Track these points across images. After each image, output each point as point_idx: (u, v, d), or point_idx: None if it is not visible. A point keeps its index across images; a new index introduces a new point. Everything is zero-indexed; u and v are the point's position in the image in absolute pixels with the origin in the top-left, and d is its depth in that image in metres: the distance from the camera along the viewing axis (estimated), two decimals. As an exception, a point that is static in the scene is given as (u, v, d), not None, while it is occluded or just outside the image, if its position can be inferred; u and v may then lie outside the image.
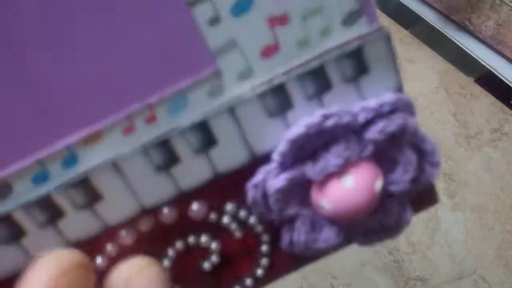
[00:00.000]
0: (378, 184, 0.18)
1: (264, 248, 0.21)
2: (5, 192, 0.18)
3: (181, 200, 0.19)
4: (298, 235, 0.20)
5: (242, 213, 0.20)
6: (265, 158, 0.19)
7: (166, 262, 0.20)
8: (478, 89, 0.62)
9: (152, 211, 0.19)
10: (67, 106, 0.17)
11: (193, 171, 0.19)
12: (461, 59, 0.64)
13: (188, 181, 0.19)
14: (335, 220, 0.19)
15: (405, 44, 0.66)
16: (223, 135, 0.18)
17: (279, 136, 0.19)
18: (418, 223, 0.51)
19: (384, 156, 0.19)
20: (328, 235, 0.20)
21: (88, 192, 0.18)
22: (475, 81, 0.63)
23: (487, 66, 0.61)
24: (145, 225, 0.19)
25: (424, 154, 0.20)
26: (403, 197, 0.20)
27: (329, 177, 0.18)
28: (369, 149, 0.18)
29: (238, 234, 0.21)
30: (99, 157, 0.18)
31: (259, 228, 0.21)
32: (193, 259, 0.21)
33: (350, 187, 0.18)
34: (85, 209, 0.18)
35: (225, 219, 0.20)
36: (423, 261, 0.49)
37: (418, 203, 0.21)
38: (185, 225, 0.20)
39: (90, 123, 0.17)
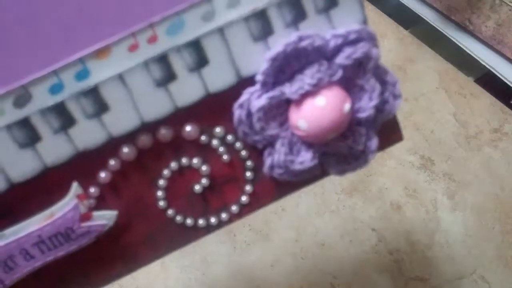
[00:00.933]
0: (347, 106, 0.21)
1: (249, 174, 0.24)
2: (25, 98, 0.20)
3: (176, 120, 0.22)
4: (278, 156, 0.22)
5: (230, 137, 0.23)
6: (250, 81, 0.22)
7: (162, 182, 0.23)
8: (478, 89, 0.62)
9: (151, 129, 0.22)
10: (81, 23, 0.20)
11: (188, 88, 0.21)
12: (461, 59, 0.64)
13: (183, 98, 0.22)
14: (310, 143, 0.22)
15: (405, 44, 0.66)
16: (213, 55, 0.21)
17: (262, 60, 0.21)
18: (418, 223, 0.51)
19: (352, 83, 0.22)
20: (304, 157, 0.22)
21: (97, 102, 0.21)
22: (475, 81, 0.63)
23: (487, 66, 0.61)
24: (144, 142, 0.22)
25: (387, 85, 0.24)
26: (369, 125, 0.23)
27: (304, 97, 0.21)
28: (339, 74, 0.21)
29: (225, 157, 0.23)
30: (108, 71, 0.20)
31: (244, 153, 0.23)
32: (185, 181, 0.23)
33: (322, 105, 0.21)
34: (94, 118, 0.21)
35: (215, 142, 0.23)
36: (423, 261, 0.49)
37: (385, 139, 0.25)
38: (179, 147, 0.23)
39: (101, 39, 0.20)
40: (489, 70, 0.61)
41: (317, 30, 0.21)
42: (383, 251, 0.49)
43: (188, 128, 0.22)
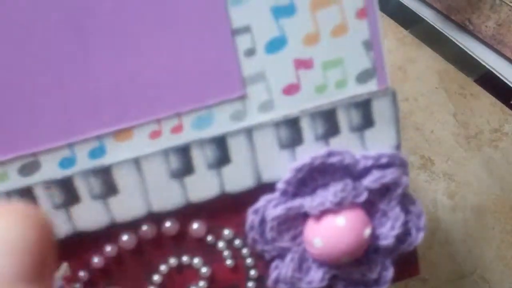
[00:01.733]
0: (367, 231, 0.20)
1: (251, 284, 0.22)
2: (32, 167, 0.19)
3: (185, 214, 0.21)
4: (285, 271, 0.21)
5: (237, 242, 0.22)
6: (269, 188, 0.21)
7: (157, 278, 0.21)
8: (478, 89, 0.61)
9: (156, 220, 0.21)
10: (106, 101, 0.19)
11: (204, 185, 0.20)
12: (461, 59, 0.64)
13: (197, 193, 0.21)
14: (322, 263, 0.21)
15: (405, 44, 0.66)
16: (237, 156, 0.20)
17: (286, 169, 0.20)
18: (418, 223, 0.51)
19: (375, 208, 0.21)
20: (313, 277, 0.21)
21: (106, 183, 0.20)
22: (475, 81, 0.63)
23: (487, 66, 0.61)
24: (147, 232, 0.21)
25: (411, 216, 0.22)
26: (387, 255, 0.22)
27: (323, 214, 0.20)
28: (363, 196, 0.21)
29: (229, 262, 0.22)
30: (125, 154, 0.20)
31: (249, 261, 0.22)
32: (183, 281, 0.22)
33: (342, 226, 0.20)
34: (99, 200, 0.20)
35: (221, 244, 0.22)
36: (423, 261, 0.49)
37: (400, 270, 0.23)
38: (182, 242, 0.21)
39: (124, 121, 0.19)
40: (489, 70, 0.60)
41: (348, 147, 0.21)
42: (383, 251, 0.49)
43: (195, 225, 0.21)
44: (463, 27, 0.63)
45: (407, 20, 0.69)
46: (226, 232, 0.22)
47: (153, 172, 0.20)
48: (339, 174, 0.21)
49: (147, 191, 0.20)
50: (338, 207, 0.20)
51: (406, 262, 0.23)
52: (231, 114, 0.20)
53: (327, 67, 0.20)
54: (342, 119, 0.21)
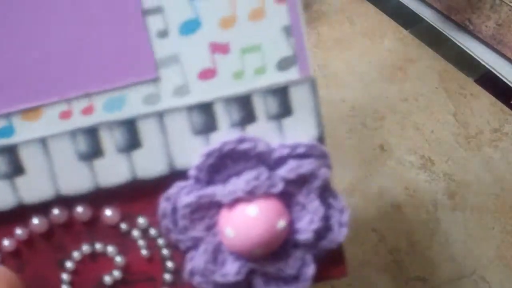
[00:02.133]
0: (281, 223, 0.19)
1: (168, 276, 0.21)
2: None
3: (98, 200, 0.20)
4: (199, 261, 0.20)
5: (153, 231, 0.21)
6: (184, 175, 0.20)
7: (69, 264, 0.21)
8: (478, 89, 0.62)
9: (68, 204, 0.20)
10: (14, 80, 0.19)
11: (114, 169, 0.20)
12: (461, 59, 0.64)
13: (107, 178, 0.20)
14: (239, 257, 0.20)
15: (405, 44, 0.66)
16: (148, 140, 0.20)
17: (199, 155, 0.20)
18: (418, 223, 0.51)
19: (295, 202, 0.20)
20: (228, 270, 0.20)
21: (12, 162, 0.19)
22: (475, 81, 0.63)
23: (487, 66, 0.61)
24: (57, 216, 0.20)
25: (334, 211, 0.21)
26: (307, 250, 0.21)
27: (236, 203, 0.19)
28: (279, 187, 0.20)
29: (145, 252, 0.21)
30: (33, 133, 0.19)
31: (166, 252, 0.21)
32: (96, 269, 0.21)
33: (253, 216, 0.19)
34: (6, 180, 0.19)
35: (135, 232, 0.21)
36: (423, 261, 0.49)
37: (325, 270, 0.22)
38: (96, 229, 0.21)
39: (33, 100, 0.19)
40: (489, 70, 0.60)
41: (266, 136, 0.20)
42: (383, 251, 0.49)
43: (108, 211, 0.21)
44: (463, 27, 0.63)
45: (407, 20, 0.69)
46: (141, 220, 0.21)
47: (60, 153, 0.20)
48: (253, 162, 0.20)
49: (54, 172, 0.20)
50: (250, 196, 0.19)
51: (332, 261, 0.22)
52: (144, 97, 0.20)
53: (245, 52, 0.20)
54: (259, 106, 0.20)
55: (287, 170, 0.20)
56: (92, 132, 0.20)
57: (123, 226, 0.21)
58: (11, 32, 0.19)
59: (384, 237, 0.50)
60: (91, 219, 0.21)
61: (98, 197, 0.20)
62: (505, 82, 0.59)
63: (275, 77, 0.20)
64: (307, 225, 0.21)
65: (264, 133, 0.20)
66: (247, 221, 0.19)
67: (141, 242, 0.21)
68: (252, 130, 0.20)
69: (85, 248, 0.21)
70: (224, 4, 0.19)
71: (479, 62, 0.61)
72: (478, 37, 0.62)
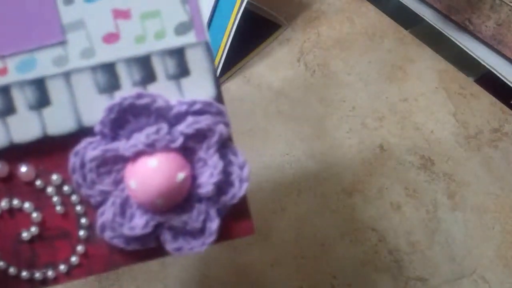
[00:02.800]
0: (181, 175, 0.21)
1: (82, 233, 0.23)
2: None
3: (13, 157, 0.22)
4: (108, 215, 0.22)
5: (66, 188, 0.22)
6: (91, 132, 0.22)
7: None
8: (478, 89, 0.62)
9: None
10: None
11: (26, 125, 0.21)
12: (461, 59, 0.64)
13: (20, 134, 0.21)
14: (147, 211, 0.22)
15: (405, 44, 0.66)
16: (57, 98, 0.21)
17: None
18: (418, 223, 0.51)
19: (197, 158, 0.22)
20: (136, 223, 0.22)
21: None
22: (475, 81, 0.63)
23: (487, 66, 0.61)
24: None
25: (234, 168, 0.23)
26: (211, 205, 0.22)
27: (138, 156, 0.21)
28: (179, 141, 0.21)
29: (59, 208, 0.22)
30: None
31: (79, 208, 0.23)
32: (14, 225, 0.22)
33: (153, 167, 0.21)
34: None
35: (50, 189, 0.22)
36: (423, 261, 0.49)
37: (233, 227, 0.24)
38: (13, 186, 0.22)
39: None
40: (489, 70, 0.61)
41: (166, 95, 0.22)
42: (383, 251, 0.49)
43: (23, 168, 0.22)
44: (463, 27, 0.63)
45: (407, 20, 0.69)
46: (55, 177, 0.22)
47: None
48: (153, 118, 0.21)
49: None
50: (151, 149, 0.21)
51: (237, 218, 0.24)
52: (53, 59, 0.21)
53: (145, 17, 0.22)
54: (158, 66, 0.22)
55: (186, 125, 0.21)
56: (4, 91, 0.21)
57: (38, 182, 0.22)
58: None
59: (384, 237, 0.50)
60: (8, 176, 0.22)
61: (13, 154, 0.22)
62: (505, 82, 0.59)
63: (173, 41, 0.22)
64: (207, 178, 0.22)
65: (164, 92, 0.22)
66: (147, 172, 0.21)
67: (55, 199, 0.22)
68: (153, 89, 0.22)
69: (3, 204, 0.22)
70: None
71: (479, 62, 0.61)
72: (478, 37, 0.62)
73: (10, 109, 0.21)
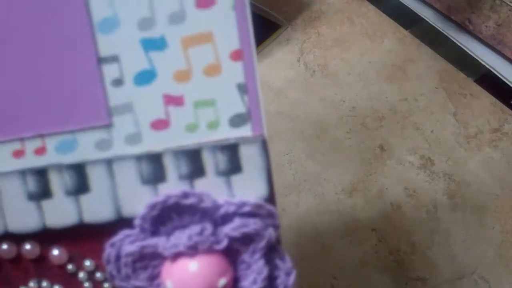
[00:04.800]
0: (222, 281, 0.20)
1: None
2: None
3: (47, 238, 0.21)
4: None
5: (99, 275, 0.21)
6: (129, 223, 0.20)
7: None
8: (478, 89, 0.61)
9: (17, 241, 0.21)
10: None
11: (61, 210, 0.20)
12: (461, 59, 0.64)
13: (54, 219, 0.20)
14: None
15: (405, 44, 0.66)
16: (96, 186, 0.20)
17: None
18: (418, 223, 0.51)
19: (240, 260, 0.20)
20: None
21: None
22: (475, 81, 0.63)
23: (487, 66, 0.61)
24: (5, 251, 0.21)
25: (279, 273, 0.21)
26: None
27: (178, 257, 0.20)
28: (223, 243, 0.20)
29: None
30: None
31: None
32: None
33: (193, 271, 0.19)
34: None
35: (81, 274, 0.21)
36: (423, 261, 0.49)
37: None
38: (44, 268, 0.21)
39: None
40: (489, 70, 0.60)
41: (214, 191, 0.20)
42: (383, 251, 0.49)
43: (55, 251, 0.21)
44: (463, 27, 0.63)
45: (407, 20, 0.69)
46: (87, 263, 0.21)
47: (10, 191, 0.20)
48: (198, 217, 0.20)
49: (3, 210, 0.20)
50: (193, 251, 0.20)
51: None
52: (96, 143, 0.20)
53: (199, 106, 0.20)
54: (208, 161, 0.20)
55: (232, 228, 0.20)
56: (41, 173, 0.20)
57: (70, 267, 0.21)
58: None
59: (384, 237, 0.50)
60: (39, 257, 0.21)
61: (47, 236, 0.21)
62: (505, 82, 0.59)
63: (227, 133, 0.20)
64: (250, 284, 0.20)
65: (213, 188, 0.20)
66: (187, 276, 0.19)
67: (87, 284, 0.22)
68: (200, 184, 0.20)
69: (32, 285, 0.21)
70: (179, 58, 0.20)
71: (479, 62, 0.61)
72: (478, 37, 0.62)
73: (46, 193, 0.20)
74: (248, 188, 0.21)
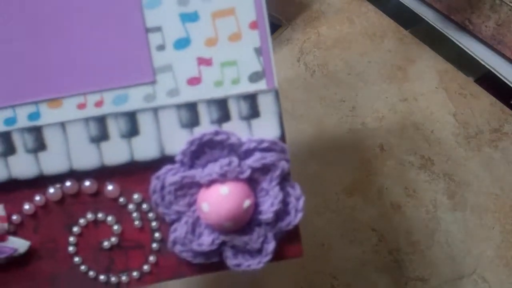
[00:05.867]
0: (247, 202, 0.24)
1: (155, 245, 0.26)
2: None
3: (102, 176, 0.25)
4: (180, 232, 0.25)
5: (145, 206, 0.26)
6: (172, 160, 0.25)
7: (76, 229, 0.26)
8: (478, 89, 0.62)
9: (78, 178, 0.25)
10: (43, 75, 0.24)
11: (116, 151, 0.25)
12: (461, 59, 0.64)
13: (110, 158, 0.25)
14: (213, 230, 0.25)
15: (405, 44, 0.66)
16: (144, 130, 0.25)
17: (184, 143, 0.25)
18: (418, 223, 0.51)
19: (260, 188, 0.25)
20: (204, 240, 0.25)
21: (38, 140, 0.25)
22: (475, 81, 0.63)
23: (487, 66, 0.61)
24: (69, 187, 0.25)
25: (291, 199, 0.26)
26: (269, 229, 0.26)
27: (212, 184, 0.24)
28: (246, 173, 0.25)
29: (137, 223, 0.26)
30: (55, 118, 0.25)
31: (154, 224, 0.26)
32: (97, 234, 0.26)
33: (224, 194, 0.24)
34: (31, 153, 0.25)
35: (131, 206, 0.26)
36: (423, 261, 0.49)
37: (285, 249, 0.27)
38: (99, 201, 0.26)
39: (56, 92, 0.25)
40: (489, 70, 0.60)
41: (237, 132, 0.25)
42: (383, 251, 0.49)
43: (110, 186, 0.26)
44: (463, 27, 0.63)
45: (407, 20, 0.69)
46: (136, 196, 0.26)
47: (76, 135, 0.25)
48: (226, 151, 0.25)
49: (69, 150, 0.25)
50: (223, 178, 0.24)
51: (289, 242, 0.27)
52: (144, 96, 0.25)
53: (224, 66, 0.25)
54: (232, 108, 0.25)
55: (254, 160, 0.25)
56: (101, 120, 0.25)
57: (121, 199, 0.26)
58: (46, 40, 0.24)
59: (384, 237, 0.50)
60: (96, 192, 0.26)
61: (102, 174, 0.25)
62: (505, 82, 0.59)
63: (247, 87, 0.25)
64: (268, 207, 0.25)
65: (237, 130, 0.25)
66: (219, 198, 0.24)
67: (135, 214, 0.26)
68: (227, 127, 0.25)
69: (90, 216, 0.26)
70: (209, 28, 0.25)
71: (479, 62, 0.61)
72: (478, 37, 0.62)
73: (104, 136, 0.25)
74: (265, 129, 0.26)
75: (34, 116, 0.25)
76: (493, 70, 0.60)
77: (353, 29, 0.67)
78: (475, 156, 0.56)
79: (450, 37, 0.64)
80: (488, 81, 0.62)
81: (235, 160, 0.25)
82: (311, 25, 0.68)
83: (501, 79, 0.59)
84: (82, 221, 0.26)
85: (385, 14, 0.69)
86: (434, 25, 0.65)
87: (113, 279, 0.26)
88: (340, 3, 0.71)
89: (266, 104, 0.26)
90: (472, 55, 0.62)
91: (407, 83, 0.62)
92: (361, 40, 0.66)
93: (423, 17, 0.66)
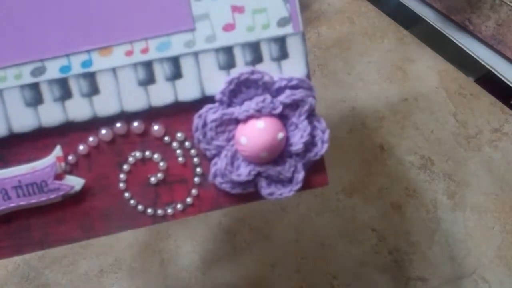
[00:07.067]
0: (280, 135, 0.27)
1: (197, 179, 0.29)
2: (40, 70, 0.27)
3: (149, 117, 0.28)
4: (220, 165, 0.28)
5: (187, 143, 0.28)
6: (211, 100, 0.28)
7: (126, 166, 0.28)
8: (478, 89, 0.62)
9: (128, 120, 0.28)
10: (95, 26, 0.27)
11: (162, 93, 0.27)
12: (461, 59, 0.64)
13: (157, 99, 0.27)
14: (249, 162, 0.28)
15: (405, 44, 0.66)
16: (187, 72, 0.27)
17: (222, 83, 0.28)
18: (418, 223, 0.51)
19: (290, 123, 0.28)
20: (242, 171, 0.28)
21: (92, 85, 0.27)
22: (475, 81, 0.63)
23: (487, 66, 0.61)
24: (119, 128, 0.28)
25: (317, 132, 0.29)
26: (298, 160, 0.29)
27: (249, 119, 0.27)
28: (279, 109, 0.27)
29: (181, 159, 0.29)
30: (106, 65, 0.27)
31: (196, 160, 0.29)
32: (145, 171, 0.29)
33: (261, 128, 0.27)
34: (86, 97, 0.27)
35: (175, 144, 0.28)
36: (423, 261, 0.49)
37: (312, 179, 0.30)
38: (146, 140, 0.28)
39: (107, 41, 0.27)
40: (489, 70, 0.61)
41: (269, 72, 0.28)
42: (383, 251, 0.49)
43: (156, 126, 0.28)
44: (463, 27, 0.63)
45: (407, 20, 0.69)
46: (179, 134, 0.28)
47: (125, 79, 0.27)
48: (261, 90, 0.27)
49: (120, 94, 0.27)
50: (259, 114, 0.27)
51: (317, 173, 0.30)
52: (185, 42, 0.27)
53: (255, 13, 0.28)
54: (265, 50, 0.28)
55: (285, 97, 0.27)
56: (148, 65, 0.27)
57: (166, 138, 0.28)
58: None
59: (384, 237, 0.50)
60: (143, 132, 0.28)
61: (149, 115, 0.28)
62: (505, 82, 0.59)
63: (276, 31, 0.28)
64: (298, 139, 0.28)
65: (269, 70, 0.28)
66: (256, 131, 0.27)
67: (178, 151, 0.29)
68: (260, 68, 0.28)
69: (138, 154, 0.28)
70: None
71: (479, 62, 0.61)
72: (478, 37, 0.62)
73: (151, 80, 0.27)
74: (293, 69, 0.28)
75: (87, 63, 0.27)
76: (493, 70, 0.60)
77: (353, 29, 0.67)
78: (475, 156, 0.56)
79: (450, 37, 0.64)
80: (488, 81, 0.62)
81: (268, 97, 0.27)
82: (311, 25, 0.68)
83: (501, 79, 0.59)
84: (131, 159, 0.28)
85: (385, 14, 0.69)
86: (434, 25, 0.65)
87: (159, 211, 0.29)
88: (340, 3, 0.71)
89: (293, 45, 0.28)
90: (472, 55, 0.62)
91: (407, 83, 0.62)
92: (361, 40, 0.66)
93: (423, 17, 0.66)
